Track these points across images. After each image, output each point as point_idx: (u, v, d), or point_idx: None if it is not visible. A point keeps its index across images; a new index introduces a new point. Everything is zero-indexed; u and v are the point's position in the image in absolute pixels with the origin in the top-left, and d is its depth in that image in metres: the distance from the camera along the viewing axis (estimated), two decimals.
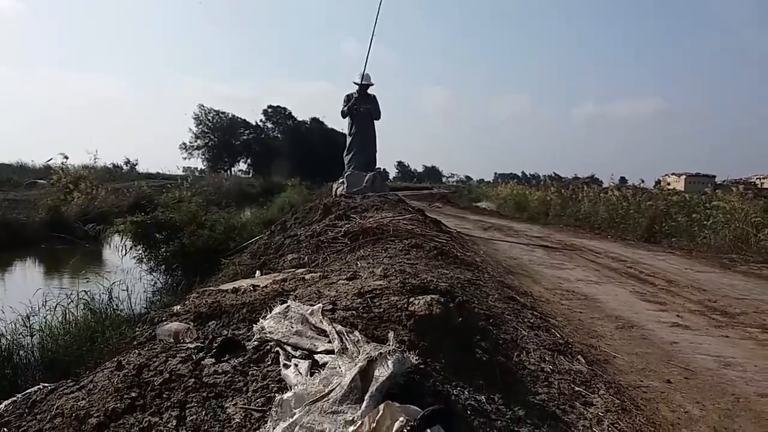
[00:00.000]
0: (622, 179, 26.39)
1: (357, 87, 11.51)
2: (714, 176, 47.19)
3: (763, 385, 3.49)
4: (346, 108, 11.51)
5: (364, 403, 1.64)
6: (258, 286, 3.52)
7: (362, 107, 11.40)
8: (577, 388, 2.86)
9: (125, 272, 8.37)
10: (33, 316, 4.97)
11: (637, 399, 3.12)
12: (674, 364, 3.81)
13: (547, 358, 3.20)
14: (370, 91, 11.58)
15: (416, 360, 2.01)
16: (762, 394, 3.34)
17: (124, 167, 48.67)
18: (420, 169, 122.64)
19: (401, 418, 1.57)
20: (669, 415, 2.97)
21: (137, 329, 3.65)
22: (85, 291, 5.52)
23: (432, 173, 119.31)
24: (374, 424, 1.57)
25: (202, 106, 68.97)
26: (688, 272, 8.01)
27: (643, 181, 19.38)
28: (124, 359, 2.28)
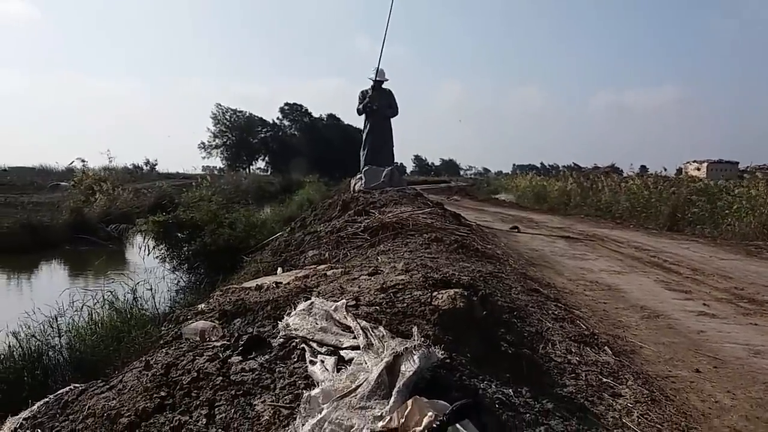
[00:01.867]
0: (643, 168, 25.99)
1: (372, 83, 11.48)
2: (737, 162, 46.41)
3: None
4: (361, 106, 11.50)
5: (392, 399, 1.64)
6: (280, 283, 3.54)
7: (375, 105, 11.36)
8: (604, 380, 2.83)
9: (148, 272, 8.43)
10: (60, 317, 5.03)
11: (666, 389, 3.08)
12: (702, 354, 3.76)
13: (573, 350, 3.17)
14: (385, 86, 11.54)
15: (442, 354, 2.00)
16: None
17: (144, 168, 49.35)
18: (437, 163, 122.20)
19: (430, 413, 1.56)
20: (699, 404, 2.93)
21: (163, 328, 3.68)
22: (110, 291, 5.58)
23: (450, 166, 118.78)
24: (403, 420, 1.56)
25: (220, 105, 69.71)
26: (713, 260, 7.89)
27: (665, 169, 19.06)
28: (151, 359, 2.30)
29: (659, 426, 2.45)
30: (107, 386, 2.10)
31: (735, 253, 8.77)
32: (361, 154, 11.82)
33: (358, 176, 11.34)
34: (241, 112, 70.28)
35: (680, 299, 5.33)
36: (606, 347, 3.41)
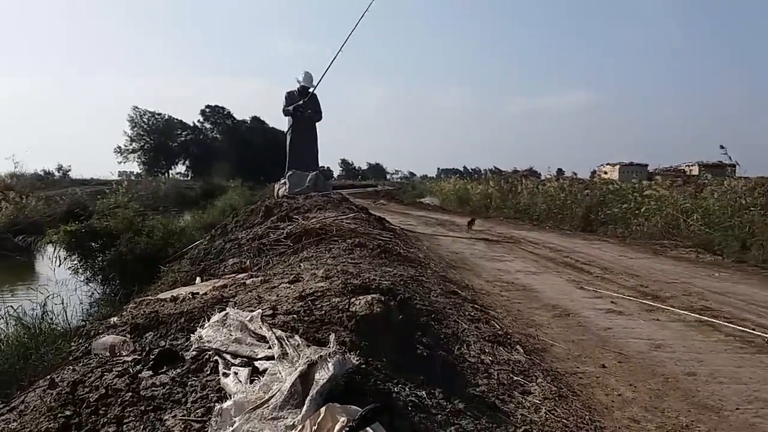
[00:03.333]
0: (560, 171, 27.14)
1: (298, 86, 11.41)
2: (646, 165, 49.00)
3: (690, 364, 3.70)
4: (291, 108, 11.32)
5: (305, 407, 1.66)
6: (197, 293, 3.48)
7: (307, 112, 11.28)
8: (515, 378, 2.96)
9: (60, 284, 8.05)
10: None
11: (574, 385, 3.26)
12: (609, 349, 3.99)
13: (487, 350, 3.30)
14: (310, 90, 11.49)
15: (357, 360, 2.04)
16: (689, 373, 3.54)
17: (56, 173, 46.94)
18: (364, 167, 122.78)
19: (342, 419, 1.60)
20: (604, 398, 3.12)
21: (73, 344, 3.54)
22: (13, 307, 5.29)
23: (376, 170, 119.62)
24: (315, 427, 1.59)
25: (137, 107, 67.21)
26: (622, 259, 8.35)
27: (575, 174, 20.00)
28: (57, 376, 2.22)
29: (565, 421, 2.58)
30: (7, 408, 2.02)
31: (642, 252, 9.33)
32: (287, 158, 11.71)
33: (282, 181, 11.24)
34: (159, 114, 68.24)
35: (590, 297, 5.62)
36: (518, 346, 3.56)
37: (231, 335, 2.15)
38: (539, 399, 2.74)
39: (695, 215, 10.79)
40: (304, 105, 11.19)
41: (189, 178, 61.74)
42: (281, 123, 12.17)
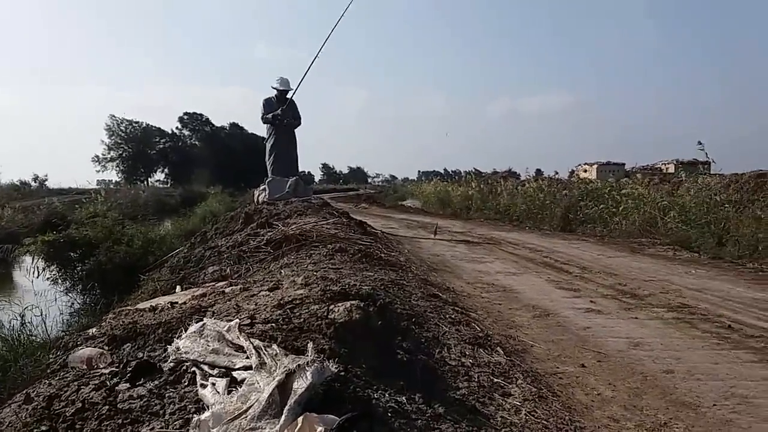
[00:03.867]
0: (538, 171, 27.38)
1: (276, 92, 11.35)
2: (623, 164, 49.67)
3: (668, 362, 3.75)
4: (270, 116, 11.22)
5: (283, 417, 1.65)
6: (176, 303, 3.45)
7: (287, 120, 11.22)
8: (496, 380, 2.97)
9: (39, 295, 7.95)
10: None
11: (554, 385, 3.28)
12: (588, 349, 4.03)
13: (468, 353, 3.31)
14: (288, 95, 11.43)
15: (336, 368, 2.03)
16: (667, 371, 3.58)
17: (33, 184, 46.37)
18: (345, 171, 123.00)
19: (320, 429, 1.60)
20: (583, 398, 3.15)
21: (51, 356, 3.49)
22: None
23: (358, 174, 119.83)
24: None
25: (114, 116, 66.62)
26: (600, 258, 8.44)
27: (557, 173, 20.19)
28: (32, 391, 2.19)
29: (545, 422, 2.60)
30: None
31: (621, 251, 9.42)
32: (267, 162, 11.65)
33: (262, 187, 11.19)
34: (137, 122, 67.83)
35: (569, 297, 5.67)
36: (498, 348, 3.58)
37: (209, 346, 2.14)
38: (519, 400, 2.76)
39: (672, 213, 10.93)
40: (283, 113, 11.12)
41: (168, 185, 61.32)
42: (260, 128, 12.12)
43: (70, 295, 9.45)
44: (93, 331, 3.33)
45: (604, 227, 12.48)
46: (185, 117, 68.88)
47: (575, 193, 14.90)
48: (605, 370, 3.62)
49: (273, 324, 2.51)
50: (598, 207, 13.17)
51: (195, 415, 1.76)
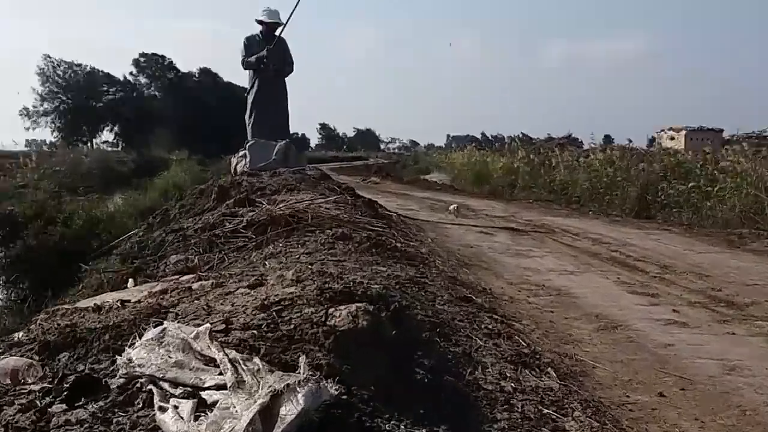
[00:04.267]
0: (607, 138, 27.29)
1: (261, 28, 11.32)
2: (722, 130, 49.07)
3: None
4: (254, 59, 11.18)
5: None
6: (129, 300, 3.49)
7: (273, 65, 11.19)
8: (545, 411, 2.97)
9: None
10: None
11: (622, 420, 3.27)
12: (668, 373, 4.01)
13: (509, 374, 3.31)
14: (277, 32, 11.35)
15: (336, 390, 2.04)
16: None
17: None
18: (351, 134, 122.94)
19: None
20: None
21: None
22: None
23: (367, 138, 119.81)
24: None
25: (48, 57, 66.51)
26: (687, 254, 8.38)
27: (631, 141, 20.06)
28: None
29: None
30: None
31: (715, 245, 9.35)
32: (248, 121, 11.65)
33: (242, 153, 11.21)
34: (79, 65, 67.68)
35: (645, 305, 5.64)
36: (550, 369, 3.58)
37: (170, 357, 2.15)
38: None
39: None
40: (269, 54, 11.08)
41: (119, 148, 61.54)
42: (240, 77, 12.13)
43: None
44: (19, 335, 3.37)
45: (693, 213, 12.38)
46: (142, 60, 68.80)
47: (656, 167, 14.77)
48: (691, 400, 3.61)
49: (254, 331, 2.52)
50: (687, 187, 13.05)
51: None
